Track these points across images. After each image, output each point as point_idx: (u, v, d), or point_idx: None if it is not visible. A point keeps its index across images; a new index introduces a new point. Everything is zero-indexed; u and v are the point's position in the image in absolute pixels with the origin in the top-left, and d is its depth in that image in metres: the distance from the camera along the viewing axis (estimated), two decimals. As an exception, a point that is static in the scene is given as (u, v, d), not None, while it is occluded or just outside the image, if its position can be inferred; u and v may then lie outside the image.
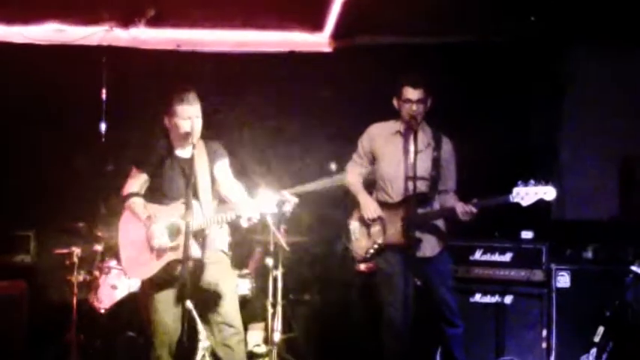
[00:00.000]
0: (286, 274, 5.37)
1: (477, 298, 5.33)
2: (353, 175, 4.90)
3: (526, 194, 4.49)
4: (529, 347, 5.19)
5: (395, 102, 4.74)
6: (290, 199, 4.06)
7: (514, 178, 4.54)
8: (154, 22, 5.85)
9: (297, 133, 6.08)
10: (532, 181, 4.51)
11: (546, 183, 4.51)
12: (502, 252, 5.35)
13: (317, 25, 6.10)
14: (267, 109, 6.05)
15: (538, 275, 5.25)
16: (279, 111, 6.07)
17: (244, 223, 4.05)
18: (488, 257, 5.38)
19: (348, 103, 5.92)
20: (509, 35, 5.80)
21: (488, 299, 5.32)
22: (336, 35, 6.15)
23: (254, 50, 6.21)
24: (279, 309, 5.35)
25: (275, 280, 5.33)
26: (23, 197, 5.77)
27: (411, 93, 4.62)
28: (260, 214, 4.02)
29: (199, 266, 4.18)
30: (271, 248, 5.25)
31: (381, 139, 4.81)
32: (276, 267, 5.31)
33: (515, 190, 4.50)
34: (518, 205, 4.51)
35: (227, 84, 5.93)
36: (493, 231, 5.49)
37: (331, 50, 6.26)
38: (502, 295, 5.27)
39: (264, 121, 6.05)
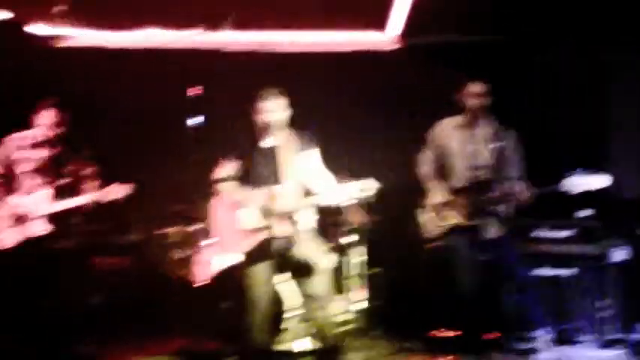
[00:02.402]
0: (365, 250, 5.66)
1: (541, 271, 5.45)
2: (423, 165, 5.15)
3: (576, 184, 4.66)
4: (588, 317, 5.34)
5: (460, 97, 4.99)
6: (372, 186, 4.29)
7: (570, 164, 4.70)
8: (238, 25, 6.11)
9: (369, 125, 6.25)
10: (581, 171, 4.65)
11: (594, 173, 4.64)
12: (563, 229, 5.49)
13: (383, 25, 6.29)
14: (343, 104, 6.26)
15: (596, 250, 5.38)
16: (352, 105, 6.25)
17: (332, 205, 4.39)
18: (551, 234, 5.51)
19: (414, 98, 6.09)
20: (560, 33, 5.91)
21: (551, 272, 5.45)
22: (402, 34, 6.34)
23: (326, 49, 6.42)
24: (358, 281, 5.65)
25: (354, 255, 5.63)
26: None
27: (474, 87, 4.91)
28: (346, 199, 4.32)
29: (290, 243, 4.46)
30: (353, 227, 5.58)
31: (448, 132, 5.06)
32: (355, 244, 5.63)
33: (566, 180, 4.66)
34: None
35: (307, 80, 6.01)
36: (556, 210, 5.50)
37: (398, 48, 6.43)
38: (563, 268, 5.42)
39: (343, 113, 6.24)
